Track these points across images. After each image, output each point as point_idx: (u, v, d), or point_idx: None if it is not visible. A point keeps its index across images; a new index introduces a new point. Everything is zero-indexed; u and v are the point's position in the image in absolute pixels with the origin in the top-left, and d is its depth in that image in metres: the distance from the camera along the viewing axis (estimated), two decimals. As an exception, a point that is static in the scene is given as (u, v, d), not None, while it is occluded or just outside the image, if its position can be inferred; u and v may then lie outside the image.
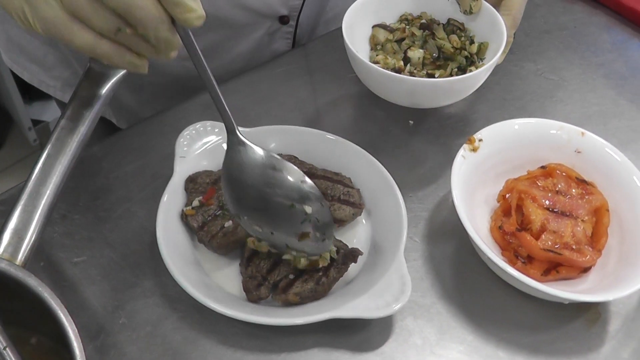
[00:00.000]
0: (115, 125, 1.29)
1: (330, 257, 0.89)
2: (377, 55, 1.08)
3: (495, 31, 1.04)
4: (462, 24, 1.08)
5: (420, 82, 0.99)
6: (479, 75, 1.00)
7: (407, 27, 1.09)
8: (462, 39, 1.07)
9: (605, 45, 1.25)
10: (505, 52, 1.07)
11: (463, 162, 0.97)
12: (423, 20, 1.09)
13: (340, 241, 0.94)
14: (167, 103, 1.21)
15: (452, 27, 1.08)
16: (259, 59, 1.29)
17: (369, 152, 1.05)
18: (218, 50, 1.26)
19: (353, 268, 0.92)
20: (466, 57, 1.05)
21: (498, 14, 1.02)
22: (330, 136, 1.07)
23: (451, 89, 1.01)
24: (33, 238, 0.71)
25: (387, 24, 1.11)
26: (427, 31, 1.08)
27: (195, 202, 0.95)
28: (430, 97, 1.02)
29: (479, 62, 1.06)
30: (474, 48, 1.06)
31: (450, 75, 1.06)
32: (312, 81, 1.24)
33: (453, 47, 1.06)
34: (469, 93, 1.04)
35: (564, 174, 0.96)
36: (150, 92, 1.32)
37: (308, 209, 0.82)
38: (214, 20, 1.21)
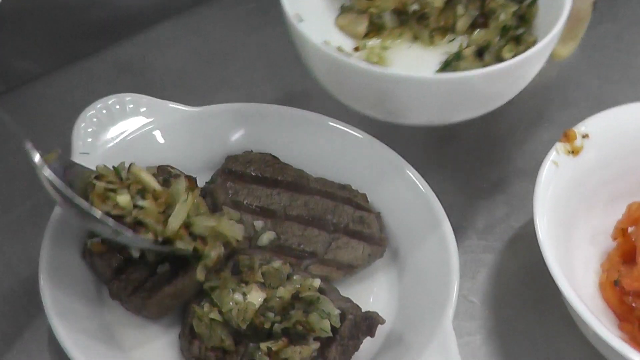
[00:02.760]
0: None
1: (332, 326, 0.89)
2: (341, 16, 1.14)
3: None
4: None
5: (412, 80, 0.97)
6: (530, 60, 0.98)
7: None
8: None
9: None
10: (577, 35, 1.09)
11: (555, 174, 0.97)
12: None
13: (349, 300, 0.94)
14: (58, 57, 1.19)
15: None
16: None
17: (398, 153, 1.04)
18: None
19: (368, 346, 0.92)
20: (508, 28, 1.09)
21: None
22: (333, 123, 1.07)
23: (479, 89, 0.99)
24: None
25: None
26: None
27: None
28: (420, 106, 1.00)
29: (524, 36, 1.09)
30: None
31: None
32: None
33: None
34: (508, 98, 1.03)
35: None
36: (25, 33, 1.30)
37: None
38: None
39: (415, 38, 1.13)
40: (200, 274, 0.91)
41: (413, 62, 1.11)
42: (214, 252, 0.92)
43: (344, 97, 1.04)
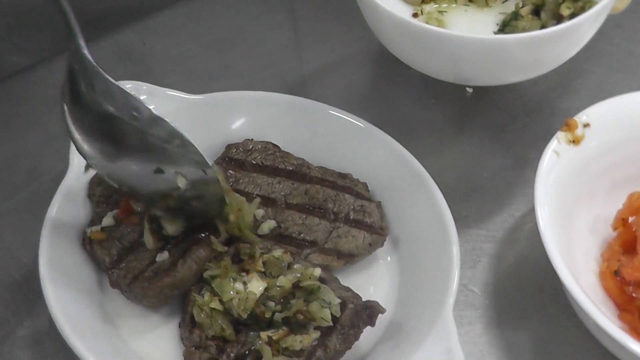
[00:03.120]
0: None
1: (332, 315, 0.89)
2: None
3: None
4: None
5: (475, 40, 1.00)
6: (585, 24, 1.01)
7: None
8: None
9: None
10: None
11: (556, 163, 0.97)
12: None
13: (349, 289, 0.94)
14: (58, 44, 1.17)
15: None
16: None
17: (399, 142, 1.04)
18: None
19: (369, 335, 0.92)
20: None
21: None
22: (334, 112, 1.06)
23: (534, 52, 1.02)
24: None
25: None
26: None
27: (107, 220, 0.96)
28: (492, 68, 1.04)
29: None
30: None
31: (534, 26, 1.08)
32: (298, 17, 1.25)
33: None
34: (565, 59, 1.06)
35: None
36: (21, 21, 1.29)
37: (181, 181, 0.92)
38: None
39: (471, 1, 1.13)
40: (223, 233, 0.94)
41: (471, 24, 1.12)
42: (232, 216, 0.93)
43: (411, 60, 1.06)
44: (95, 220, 0.96)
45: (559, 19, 1.08)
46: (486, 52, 1.01)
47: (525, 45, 1.00)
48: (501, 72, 1.06)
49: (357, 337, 0.90)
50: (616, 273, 0.95)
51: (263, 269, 0.92)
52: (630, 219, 0.98)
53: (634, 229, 0.97)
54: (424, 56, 1.05)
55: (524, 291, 0.99)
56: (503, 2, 1.13)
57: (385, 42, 1.08)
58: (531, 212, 0.97)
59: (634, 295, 0.94)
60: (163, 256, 0.93)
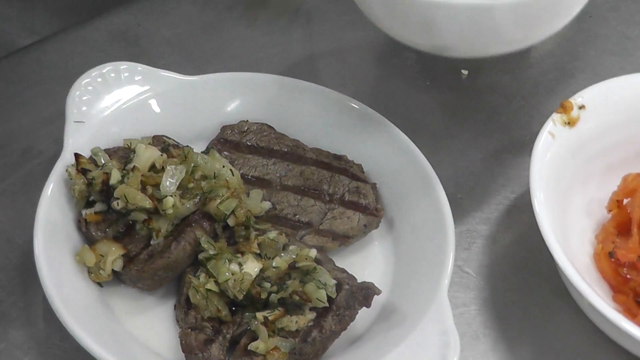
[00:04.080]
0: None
1: (328, 296, 0.89)
2: None
3: None
4: None
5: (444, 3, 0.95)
6: None
7: None
8: None
9: None
10: None
11: (551, 145, 0.97)
12: None
13: (344, 271, 0.94)
14: (52, 25, 1.20)
15: None
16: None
17: (394, 124, 1.03)
18: None
19: (364, 316, 0.92)
20: None
21: None
22: (329, 93, 1.06)
23: (521, 16, 0.98)
24: None
25: None
26: None
27: (100, 205, 0.95)
28: (471, 35, 0.99)
29: None
30: None
31: None
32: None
33: None
34: (556, 28, 1.02)
35: None
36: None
37: None
38: None
39: None
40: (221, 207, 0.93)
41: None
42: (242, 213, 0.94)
43: (393, 31, 1.04)
44: (90, 202, 0.96)
45: None
46: (462, 20, 0.97)
47: (510, 10, 0.96)
48: (479, 41, 1.03)
49: (352, 318, 0.90)
50: (610, 255, 0.95)
51: (258, 251, 0.92)
52: (625, 201, 0.99)
53: (628, 211, 0.97)
54: (399, 23, 1.03)
55: (519, 273, 0.99)
56: None
57: (364, 9, 1.05)
58: (526, 194, 0.96)
59: (628, 276, 0.94)
60: (158, 240, 0.93)
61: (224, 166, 0.94)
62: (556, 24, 1.03)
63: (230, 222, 0.93)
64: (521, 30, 1.00)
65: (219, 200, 0.92)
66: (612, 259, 0.95)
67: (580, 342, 0.94)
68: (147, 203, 0.91)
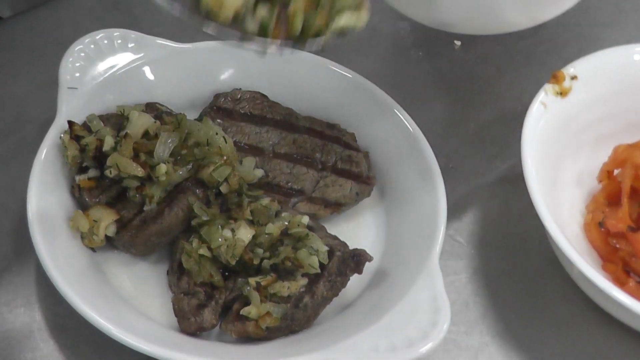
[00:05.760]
0: None
1: (320, 262, 0.89)
2: None
3: None
4: None
5: None
6: None
7: None
8: None
9: None
10: None
11: (543, 115, 0.97)
12: None
13: (336, 238, 0.94)
14: None
15: None
16: None
17: (387, 93, 1.03)
18: None
19: (356, 282, 0.92)
20: None
21: None
22: (322, 62, 1.06)
23: None
24: None
25: None
26: None
27: (93, 172, 0.95)
28: (478, 14, 0.98)
29: None
30: None
31: None
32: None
33: None
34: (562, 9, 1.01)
35: None
36: None
37: None
38: None
39: None
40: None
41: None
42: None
43: (394, 2, 1.03)
44: (83, 168, 0.95)
45: None
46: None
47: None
48: (486, 20, 1.02)
49: (344, 285, 0.90)
50: (600, 224, 0.95)
51: (251, 218, 0.92)
52: (616, 172, 0.99)
53: (619, 182, 0.97)
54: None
55: (510, 242, 1.00)
56: None
57: None
58: (517, 164, 0.96)
59: (617, 246, 0.95)
60: (151, 207, 0.93)
61: (217, 133, 0.94)
62: (561, 5, 1.02)
63: (223, 189, 0.93)
64: (527, 10, 1.00)
65: (212, 168, 0.92)
66: (602, 229, 0.95)
67: (570, 310, 0.95)
68: (139, 172, 0.91)
